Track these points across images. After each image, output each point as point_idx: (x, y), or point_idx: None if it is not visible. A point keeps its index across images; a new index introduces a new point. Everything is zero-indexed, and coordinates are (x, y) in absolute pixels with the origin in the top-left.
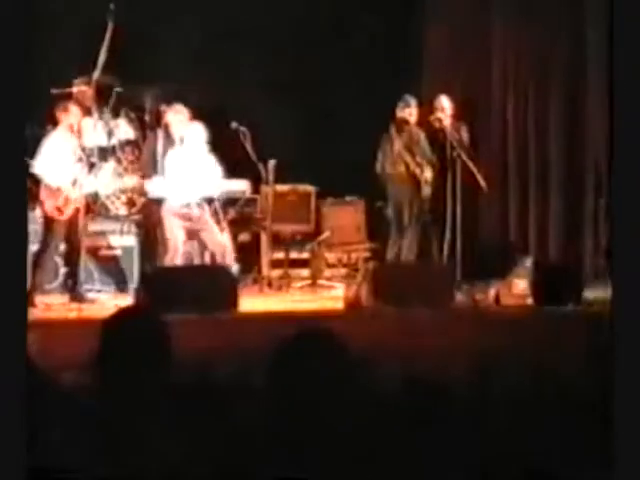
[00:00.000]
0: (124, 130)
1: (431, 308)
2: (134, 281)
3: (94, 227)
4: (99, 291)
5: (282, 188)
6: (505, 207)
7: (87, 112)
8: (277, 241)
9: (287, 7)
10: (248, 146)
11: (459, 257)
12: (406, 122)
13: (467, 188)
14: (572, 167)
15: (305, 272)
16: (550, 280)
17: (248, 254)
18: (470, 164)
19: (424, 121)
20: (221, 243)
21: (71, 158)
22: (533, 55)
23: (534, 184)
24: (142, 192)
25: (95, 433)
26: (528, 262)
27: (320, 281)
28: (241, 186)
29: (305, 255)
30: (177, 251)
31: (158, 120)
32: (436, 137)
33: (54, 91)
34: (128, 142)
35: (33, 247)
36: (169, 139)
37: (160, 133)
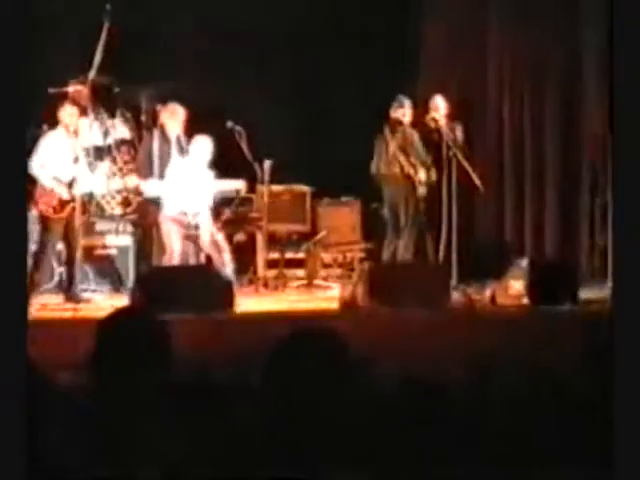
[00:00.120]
0: (120, 130)
1: (427, 308)
2: (130, 281)
3: (90, 227)
4: (94, 291)
5: (277, 188)
6: (501, 207)
7: (83, 112)
8: (273, 241)
9: (283, 7)
10: (244, 145)
11: (455, 257)
12: (400, 123)
13: (463, 188)
14: (568, 167)
15: (301, 272)
16: (546, 280)
17: (244, 254)
18: (466, 164)
19: (419, 121)
20: (217, 243)
21: (67, 158)
22: (528, 55)
23: (530, 184)
24: (138, 192)
25: (94, 433)
26: (524, 262)
27: (316, 281)
28: (236, 185)
29: (301, 255)
30: (173, 252)
31: (154, 120)
32: (432, 137)
33: (51, 90)
34: (124, 142)
35: (30, 247)
36: (165, 139)
37: (156, 133)
